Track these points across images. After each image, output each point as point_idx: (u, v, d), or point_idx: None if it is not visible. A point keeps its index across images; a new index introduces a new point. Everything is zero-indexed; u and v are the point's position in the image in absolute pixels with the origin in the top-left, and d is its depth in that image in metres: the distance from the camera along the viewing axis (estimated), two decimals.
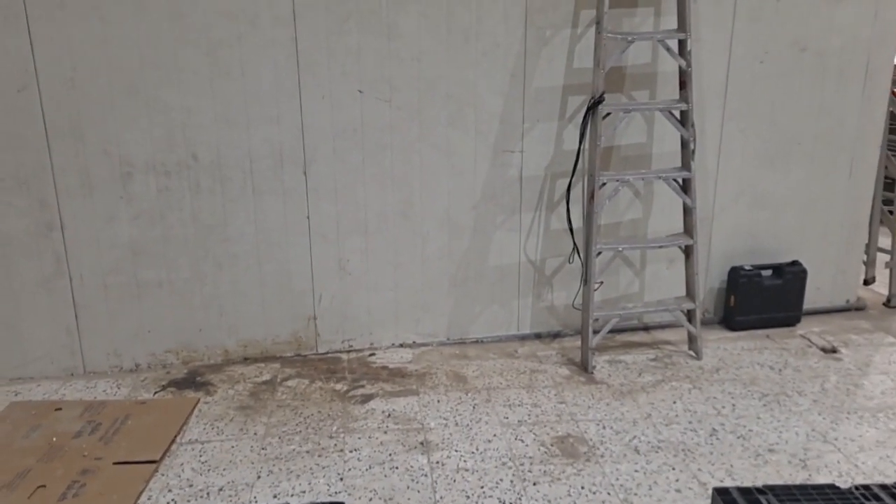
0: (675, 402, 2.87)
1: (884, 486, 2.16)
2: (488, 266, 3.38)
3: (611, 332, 3.52)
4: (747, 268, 3.51)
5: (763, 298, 3.50)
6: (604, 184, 3.07)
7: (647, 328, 3.57)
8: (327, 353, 3.34)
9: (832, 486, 2.19)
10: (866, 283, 3.92)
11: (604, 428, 2.68)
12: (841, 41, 3.38)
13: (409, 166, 3.20)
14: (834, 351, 3.32)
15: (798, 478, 2.37)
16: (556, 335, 3.51)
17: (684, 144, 3.12)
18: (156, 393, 2.96)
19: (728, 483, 2.35)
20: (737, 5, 3.24)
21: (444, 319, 3.43)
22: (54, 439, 2.55)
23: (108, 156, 2.94)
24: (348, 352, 3.36)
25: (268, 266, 3.19)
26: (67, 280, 3.02)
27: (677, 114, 3.10)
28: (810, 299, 3.67)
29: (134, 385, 3.03)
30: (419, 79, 3.10)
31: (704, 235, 3.52)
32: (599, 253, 3.11)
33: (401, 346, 3.41)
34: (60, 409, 2.80)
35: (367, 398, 2.91)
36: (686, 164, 3.13)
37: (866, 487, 2.16)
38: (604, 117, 3.02)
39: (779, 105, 3.41)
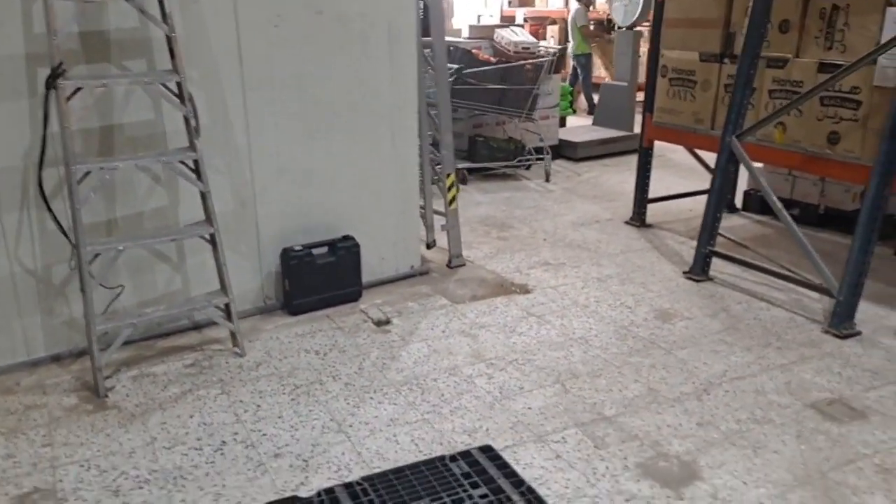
0: (191, 417, 2.53)
1: (347, 485, 2.05)
2: None
3: (154, 336, 3.10)
4: (298, 248, 3.31)
5: (319, 277, 3.34)
6: (88, 173, 2.58)
7: (198, 327, 3.20)
8: None
9: (294, 499, 2.04)
10: (429, 246, 3.99)
11: (87, 469, 2.23)
12: (360, 4, 3.25)
13: None
14: (387, 322, 3.28)
15: (295, 482, 2.18)
16: (81, 353, 2.96)
17: (187, 122, 2.76)
18: None
19: None
20: None
21: None
22: None
23: None
24: None
25: None
26: None
27: (174, 87, 2.71)
28: (375, 270, 3.63)
29: None
30: None
31: (249, 218, 3.23)
32: (97, 255, 2.63)
33: None
34: None
35: None
36: (192, 144, 2.77)
37: (329, 491, 2.04)
38: (73, 93, 2.51)
39: (306, 73, 3.20)
